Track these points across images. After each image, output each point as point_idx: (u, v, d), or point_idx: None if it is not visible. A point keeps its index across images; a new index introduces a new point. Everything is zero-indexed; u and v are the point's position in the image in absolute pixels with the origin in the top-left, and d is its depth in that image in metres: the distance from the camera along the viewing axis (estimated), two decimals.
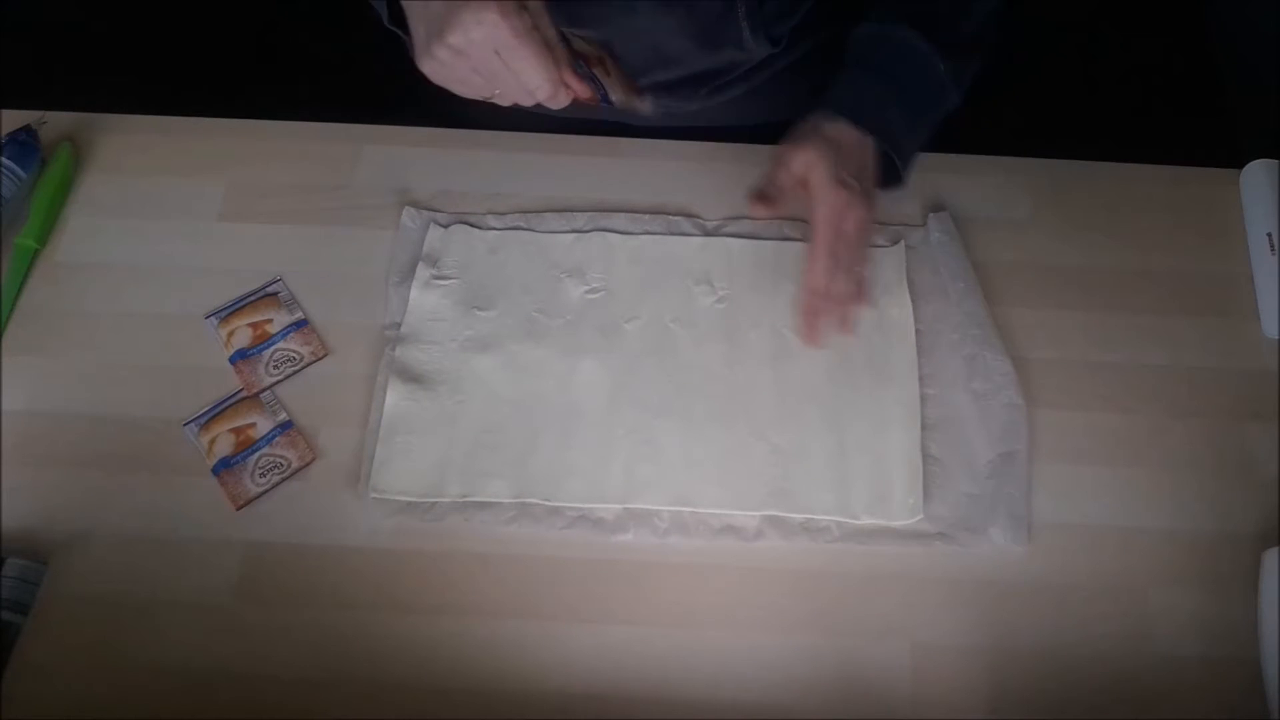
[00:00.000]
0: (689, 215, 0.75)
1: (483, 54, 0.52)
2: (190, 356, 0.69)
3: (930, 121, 0.69)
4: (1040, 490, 0.64)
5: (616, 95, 0.62)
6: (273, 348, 0.69)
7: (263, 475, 0.64)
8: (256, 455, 0.65)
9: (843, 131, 0.65)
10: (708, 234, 0.74)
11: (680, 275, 0.71)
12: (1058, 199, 0.75)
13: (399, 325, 0.70)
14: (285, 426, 0.66)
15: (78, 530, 0.63)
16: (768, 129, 0.82)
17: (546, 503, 0.63)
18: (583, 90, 0.59)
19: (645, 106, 0.65)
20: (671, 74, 0.77)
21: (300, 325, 0.70)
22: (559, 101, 0.58)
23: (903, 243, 0.72)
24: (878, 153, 0.66)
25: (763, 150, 0.78)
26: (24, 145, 0.74)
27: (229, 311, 0.70)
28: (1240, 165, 0.76)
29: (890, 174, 0.68)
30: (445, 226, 0.74)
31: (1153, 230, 0.74)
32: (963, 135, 0.81)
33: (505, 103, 0.58)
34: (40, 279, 0.72)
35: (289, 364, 0.68)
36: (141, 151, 0.78)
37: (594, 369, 0.68)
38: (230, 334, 0.69)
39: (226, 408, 0.67)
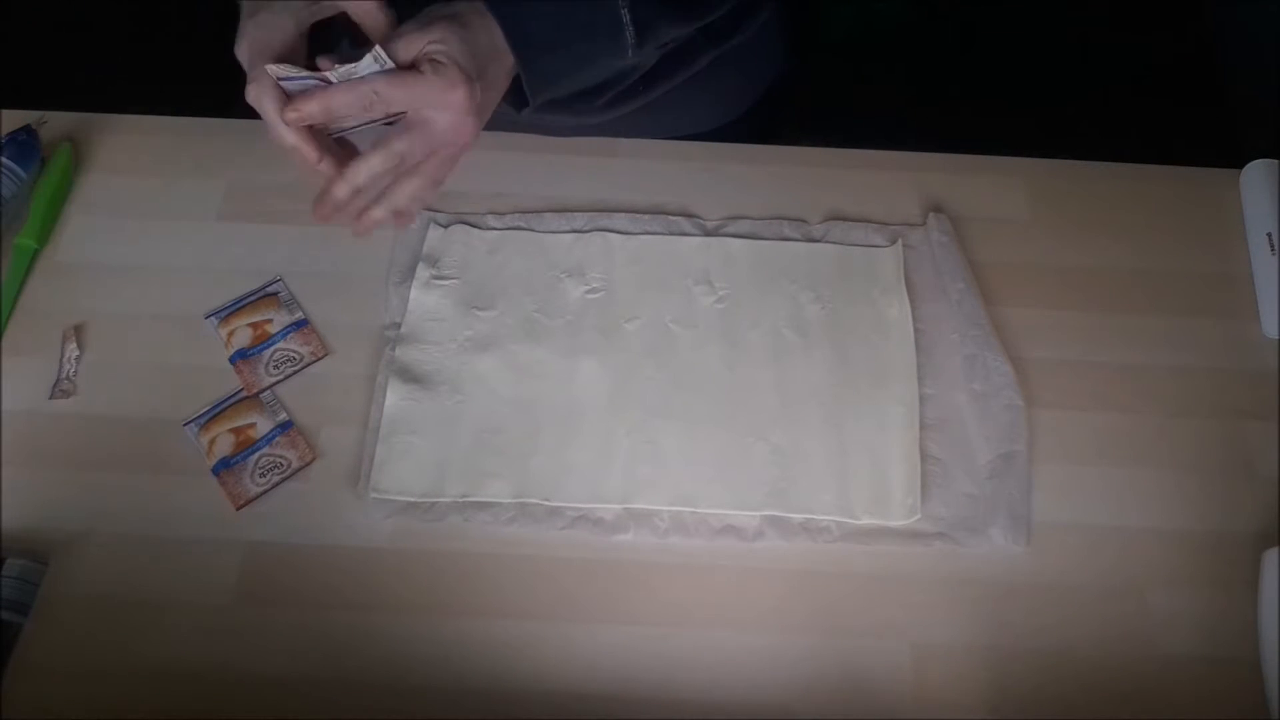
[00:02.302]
0: (689, 215, 0.75)
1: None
2: (190, 356, 0.69)
3: (588, 59, 0.63)
4: (1040, 490, 0.64)
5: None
6: (273, 348, 0.69)
7: (263, 475, 0.64)
8: (256, 455, 0.65)
9: (474, 22, 0.58)
10: (707, 234, 0.74)
11: (680, 275, 0.71)
12: (1058, 199, 0.75)
13: (399, 325, 0.70)
14: (285, 426, 0.66)
15: (78, 530, 0.63)
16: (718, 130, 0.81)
17: (546, 503, 0.63)
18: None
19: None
20: None
21: (300, 325, 0.70)
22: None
23: (900, 242, 0.72)
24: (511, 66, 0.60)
25: (764, 150, 0.78)
26: (24, 145, 0.74)
27: (229, 311, 0.70)
28: (1240, 165, 0.76)
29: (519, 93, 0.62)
30: (445, 226, 0.74)
31: (1153, 230, 0.74)
32: (963, 135, 0.81)
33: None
34: (40, 279, 0.72)
35: (289, 364, 0.68)
36: (141, 151, 0.78)
37: (594, 369, 0.68)
38: (230, 334, 0.69)
39: (226, 408, 0.67)
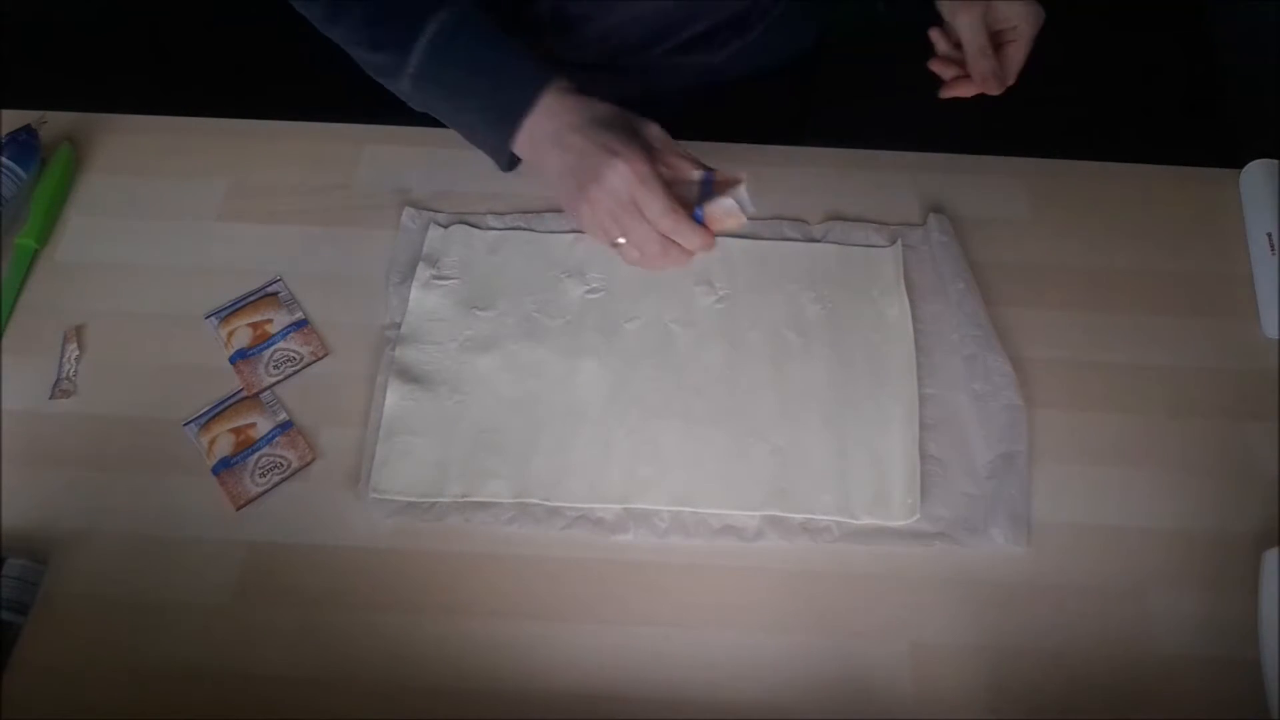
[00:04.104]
0: None
1: (615, 201, 0.57)
2: (190, 356, 0.69)
3: None
4: (1040, 490, 0.64)
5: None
6: (273, 348, 0.69)
7: (263, 475, 0.64)
8: (256, 455, 0.65)
9: None
10: None
11: (680, 275, 0.71)
12: (1058, 199, 0.75)
13: (399, 325, 0.70)
14: (285, 426, 0.66)
15: (78, 530, 0.63)
16: (781, 72, 0.83)
17: (546, 503, 0.63)
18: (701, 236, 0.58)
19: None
20: (701, 24, 0.77)
21: (300, 325, 0.70)
22: (686, 243, 0.58)
23: (900, 242, 0.72)
24: None
25: (764, 150, 0.78)
26: (24, 145, 0.74)
27: (229, 311, 0.70)
28: (1240, 165, 0.76)
29: None
30: (445, 226, 0.74)
31: (1152, 230, 0.74)
32: (963, 135, 0.81)
33: (630, 257, 0.59)
34: (40, 279, 0.72)
35: (289, 364, 0.68)
36: (141, 151, 0.78)
37: (594, 369, 0.68)
38: (230, 334, 0.69)
39: (226, 408, 0.67)
